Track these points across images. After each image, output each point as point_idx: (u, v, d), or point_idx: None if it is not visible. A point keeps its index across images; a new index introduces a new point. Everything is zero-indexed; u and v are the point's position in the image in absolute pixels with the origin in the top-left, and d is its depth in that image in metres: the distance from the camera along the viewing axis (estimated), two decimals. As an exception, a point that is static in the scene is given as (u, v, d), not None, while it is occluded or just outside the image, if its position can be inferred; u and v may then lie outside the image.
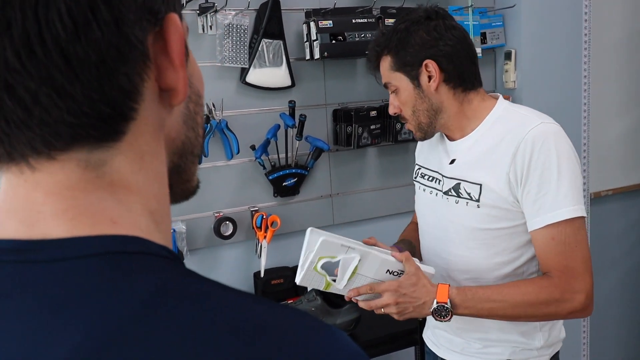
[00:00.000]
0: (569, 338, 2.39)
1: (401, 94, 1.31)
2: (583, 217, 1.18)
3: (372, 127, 1.94)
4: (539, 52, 2.20)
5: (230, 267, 1.88)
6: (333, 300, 1.76)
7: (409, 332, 1.72)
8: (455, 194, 1.30)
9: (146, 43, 0.36)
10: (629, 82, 2.57)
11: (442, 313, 1.17)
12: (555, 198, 1.16)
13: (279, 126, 1.82)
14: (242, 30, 1.76)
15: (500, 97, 1.33)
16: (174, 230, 1.73)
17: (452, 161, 1.33)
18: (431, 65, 1.26)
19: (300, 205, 1.95)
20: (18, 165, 0.35)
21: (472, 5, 2.02)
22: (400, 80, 1.29)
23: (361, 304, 1.22)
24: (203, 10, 1.70)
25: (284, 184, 1.88)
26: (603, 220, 2.56)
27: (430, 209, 1.38)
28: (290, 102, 1.84)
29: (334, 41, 1.80)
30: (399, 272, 1.21)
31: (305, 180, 1.92)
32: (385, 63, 1.31)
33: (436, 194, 1.36)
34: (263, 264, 1.82)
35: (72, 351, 0.31)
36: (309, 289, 1.68)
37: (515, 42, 2.19)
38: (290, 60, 1.83)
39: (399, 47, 1.28)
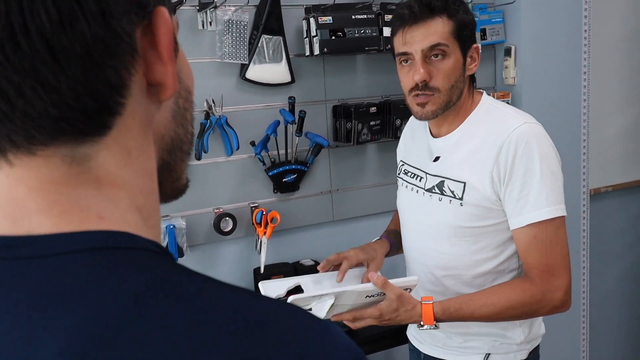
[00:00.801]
0: (568, 335, 2.40)
1: (449, 63, 1.23)
2: (563, 216, 1.21)
3: (372, 123, 1.94)
4: (539, 48, 2.20)
5: (230, 263, 1.89)
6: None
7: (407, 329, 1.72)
8: (439, 192, 1.30)
9: (134, 36, 0.35)
10: (629, 78, 2.57)
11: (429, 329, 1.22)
12: (537, 198, 1.18)
13: (278, 122, 1.82)
14: (241, 26, 1.76)
15: (484, 93, 1.33)
16: (174, 226, 1.73)
17: (436, 159, 1.32)
18: (475, 51, 1.28)
19: (300, 201, 1.95)
20: None
21: (472, 1, 2.02)
22: (455, 50, 1.24)
23: (347, 323, 1.23)
24: (203, 6, 1.70)
25: (283, 180, 1.88)
26: (603, 217, 2.56)
27: (413, 206, 1.38)
28: (290, 98, 1.84)
29: (333, 37, 1.80)
30: (379, 294, 1.20)
31: (305, 176, 1.92)
32: (446, 25, 1.23)
33: (417, 191, 1.36)
34: (263, 260, 1.82)
35: (60, 352, 0.31)
36: None
37: (515, 39, 2.19)
38: (290, 56, 1.83)
39: (464, 18, 1.25)
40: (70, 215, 0.35)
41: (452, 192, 1.27)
